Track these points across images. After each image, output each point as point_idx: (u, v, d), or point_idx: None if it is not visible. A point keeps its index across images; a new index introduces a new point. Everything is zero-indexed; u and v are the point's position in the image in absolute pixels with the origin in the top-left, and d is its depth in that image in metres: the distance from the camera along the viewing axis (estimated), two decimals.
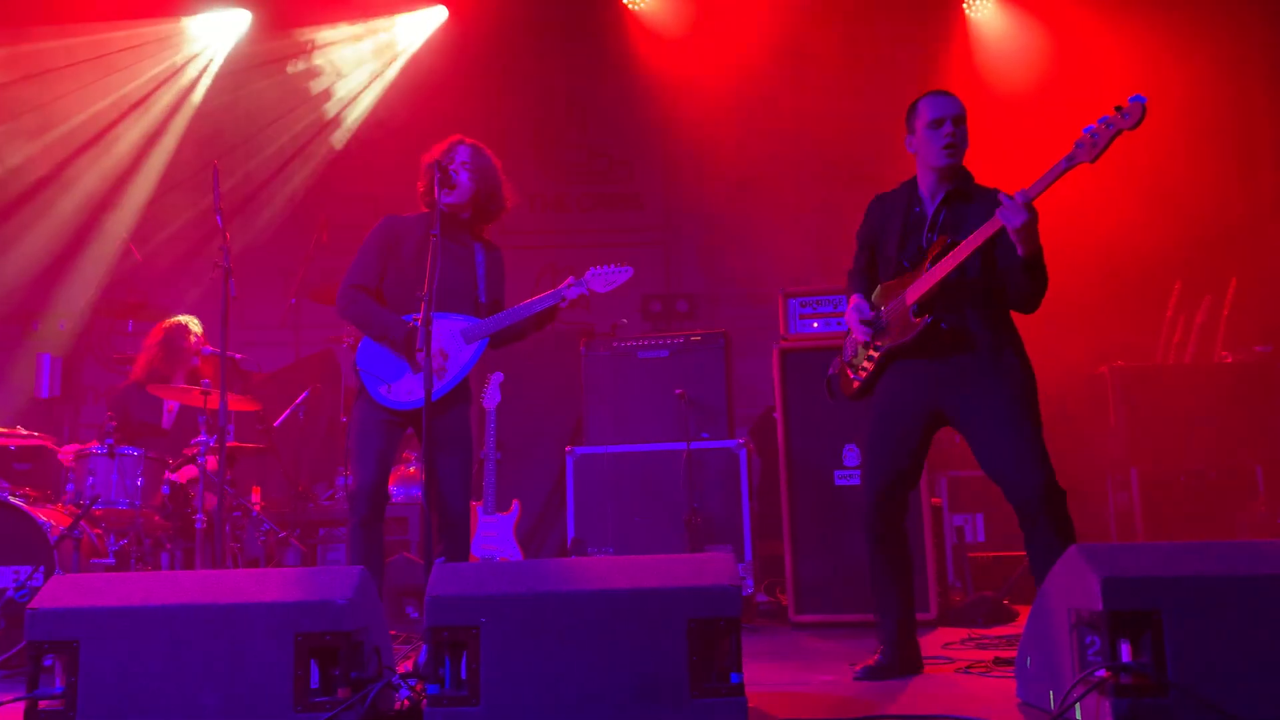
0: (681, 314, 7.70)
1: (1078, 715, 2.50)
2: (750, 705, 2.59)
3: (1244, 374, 6.24)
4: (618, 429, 5.53)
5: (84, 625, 2.67)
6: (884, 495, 3.56)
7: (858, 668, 3.49)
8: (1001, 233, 3.27)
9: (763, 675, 3.53)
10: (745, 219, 7.65)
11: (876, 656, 3.51)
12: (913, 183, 3.64)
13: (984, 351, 3.45)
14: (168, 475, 5.07)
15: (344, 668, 2.62)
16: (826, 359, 5.07)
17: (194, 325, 5.62)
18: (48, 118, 7.43)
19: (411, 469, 6.03)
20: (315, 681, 2.62)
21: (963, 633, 4.48)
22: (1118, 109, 3.15)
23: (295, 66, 7.83)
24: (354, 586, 2.70)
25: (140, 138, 7.71)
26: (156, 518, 4.98)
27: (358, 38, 7.95)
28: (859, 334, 3.63)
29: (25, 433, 5.22)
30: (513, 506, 5.46)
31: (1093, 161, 3.20)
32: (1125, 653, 2.40)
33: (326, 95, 7.94)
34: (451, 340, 4.11)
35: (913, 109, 3.59)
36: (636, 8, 7.90)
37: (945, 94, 3.56)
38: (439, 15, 7.97)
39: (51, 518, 4.50)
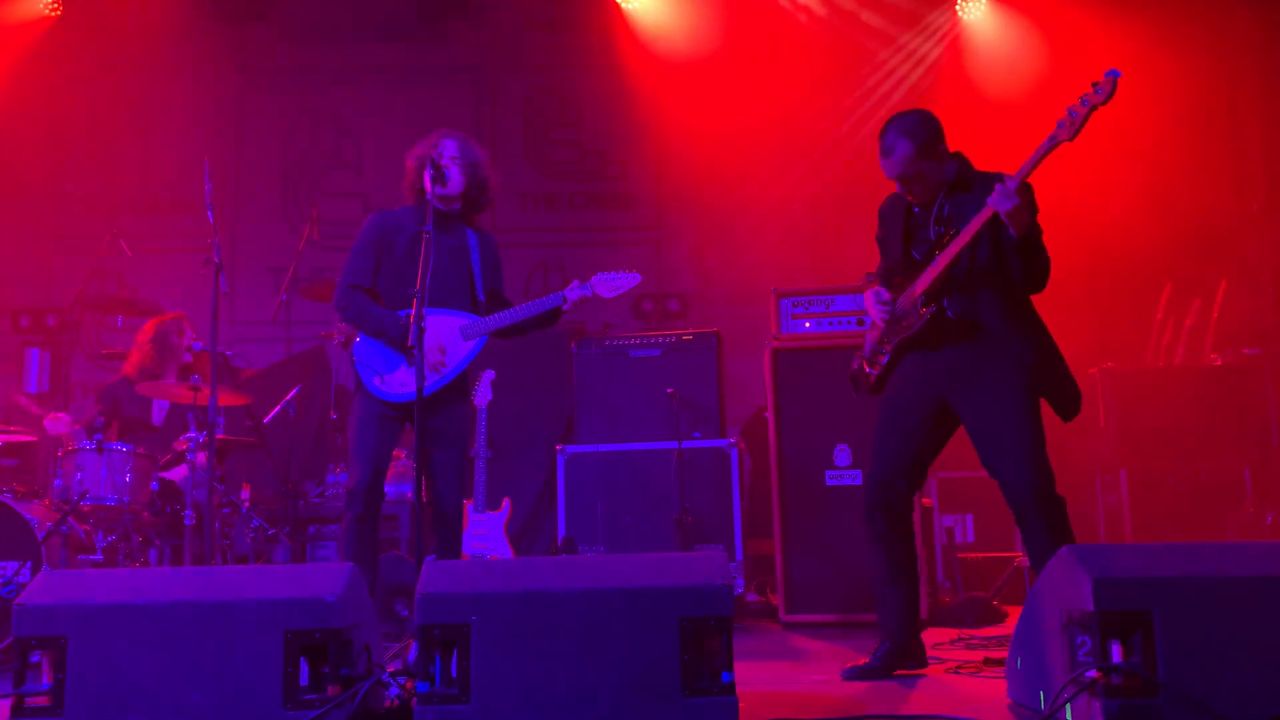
0: (673, 313, 7.70)
1: (1068, 716, 2.51)
2: (741, 705, 2.58)
3: (1233, 376, 6.27)
4: (609, 428, 5.52)
5: (71, 621, 2.65)
6: (883, 488, 3.55)
7: (846, 666, 3.49)
8: (998, 217, 3.28)
9: (753, 675, 3.53)
10: (738, 218, 7.65)
11: (868, 657, 3.50)
12: None
13: (997, 339, 3.43)
14: (157, 473, 5.05)
15: (334, 665, 2.61)
16: (819, 359, 5.12)
17: (185, 322, 5.61)
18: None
19: (403, 466, 6.01)
20: (305, 679, 2.60)
21: (952, 633, 4.48)
22: (1094, 85, 3.18)
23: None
24: (344, 584, 2.69)
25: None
26: (145, 514, 4.96)
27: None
28: (878, 318, 3.62)
29: (12, 428, 5.19)
30: (503, 505, 5.45)
31: (1071, 139, 3.23)
32: (1116, 653, 2.41)
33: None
34: (450, 336, 4.11)
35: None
36: (628, 5, 7.90)
37: (882, 139, 3.52)
38: (427, 11, 7.94)
39: (39, 514, 4.48)
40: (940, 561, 5.60)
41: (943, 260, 3.41)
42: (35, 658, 2.65)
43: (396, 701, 2.78)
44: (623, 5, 7.90)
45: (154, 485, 4.97)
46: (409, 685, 2.72)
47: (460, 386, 4.18)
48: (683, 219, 7.97)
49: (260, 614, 2.63)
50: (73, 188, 7.82)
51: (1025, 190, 3.24)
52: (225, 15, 7.79)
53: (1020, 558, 5.41)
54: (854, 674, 3.44)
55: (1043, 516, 3.31)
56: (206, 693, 2.60)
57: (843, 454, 5.02)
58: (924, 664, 3.54)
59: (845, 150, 7.43)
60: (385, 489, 4.14)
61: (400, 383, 4.05)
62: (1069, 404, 3.46)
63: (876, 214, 3.78)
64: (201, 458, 4.85)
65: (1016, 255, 3.35)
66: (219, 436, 5.07)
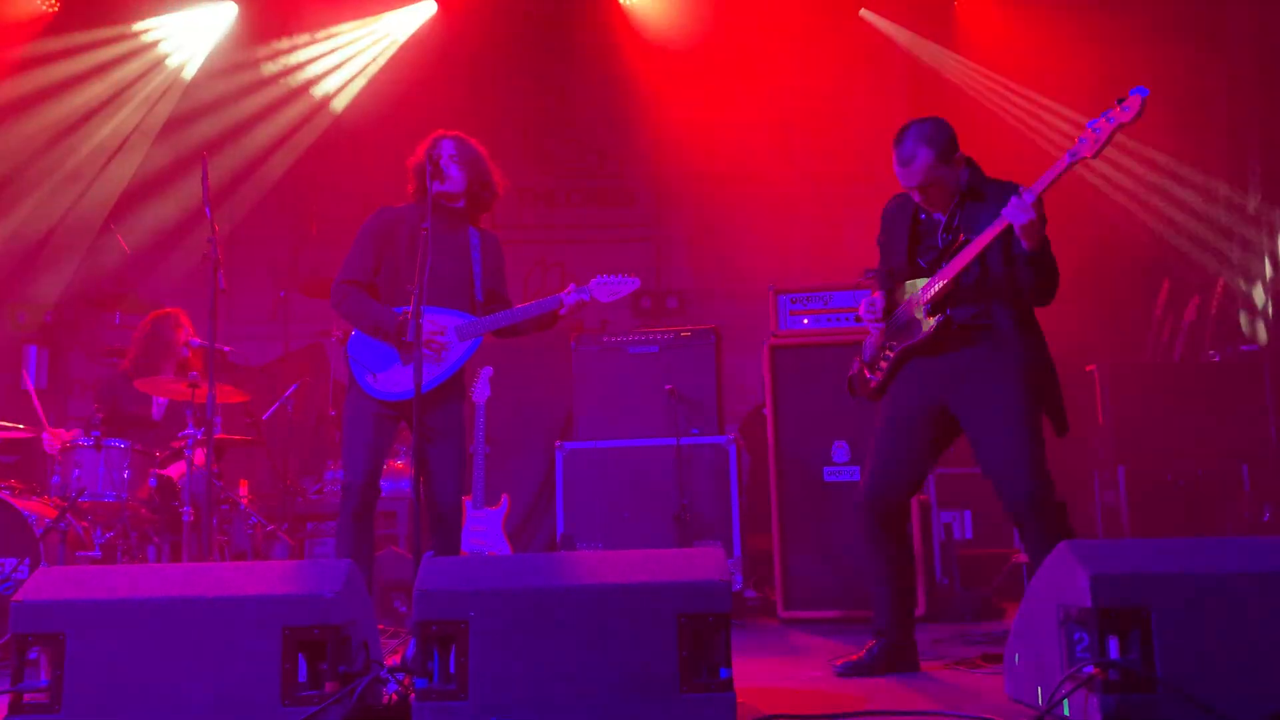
0: (671, 310, 7.70)
1: (1066, 711, 2.51)
2: (739, 700, 2.58)
3: (1231, 373, 6.28)
4: (607, 424, 5.52)
5: (70, 618, 2.65)
6: (880, 493, 3.54)
7: (838, 663, 3.49)
8: (1010, 228, 3.27)
9: (751, 670, 3.53)
10: (736, 215, 7.64)
11: (862, 653, 3.50)
12: None
13: (1001, 348, 3.42)
14: (155, 470, 5.05)
15: (332, 661, 2.61)
16: (817, 356, 5.13)
17: (183, 317, 5.60)
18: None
19: (400, 463, 6.01)
20: (303, 675, 2.61)
21: (950, 629, 4.50)
22: (1119, 101, 3.14)
23: (277, 60, 7.80)
24: (342, 580, 2.69)
25: (124, 127, 7.67)
26: (143, 510, 4.96)
27: (347, 31, 7.91)
28: (870, 326, 3.62)
29: (10, 425, 5.19)
30: (502, 501, 5.45)
31: (1094, 156, 3.20)
32: (1114, 649, 2.41)
33: (313, 86, 7.91)
34: (447, 334, 4.11)
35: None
36: (626, 2, 7.89)
37: (899, 147, 3.48)
38: (428, 9, 7.94)
39: (37, 510, 4.48)
40: (938, 558, 5.60)
41: (952, 269, 3.39)
42: (33, 654, 2.65)
43: (395, 697, 2.79)
44: (621, 1, 7.89)
45: (152, 482, 4.96)
46: (407, 681, 2.73)
47: (456, 384, 4.17)
48: (681, 215, 7.97)
49: (258, 610, 2.64)
50: (72, 183, 7.81)
51: (1039, 204, 3.23)
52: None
53: (1018, 554, 5.42)
54: (848, 670, 3.44)
55: (1041, 523, 3.30)
56: (205, 689, 2.60)
57: (841, 450, 5.03)
58: (916, 668, 3.53)
59: (844, 147, 7.42)
60: (383, 486, 4.14)
61: (394, 381, 4.04)
62: (1062, 420, 3.46)
63: (878, 211, 3.77)
64: (200, 454, 4.85)
65: (1028, 268, 3.33)
66: (217, 434, 5.07)
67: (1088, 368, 6.31)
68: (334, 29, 7.87)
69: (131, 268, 7.20)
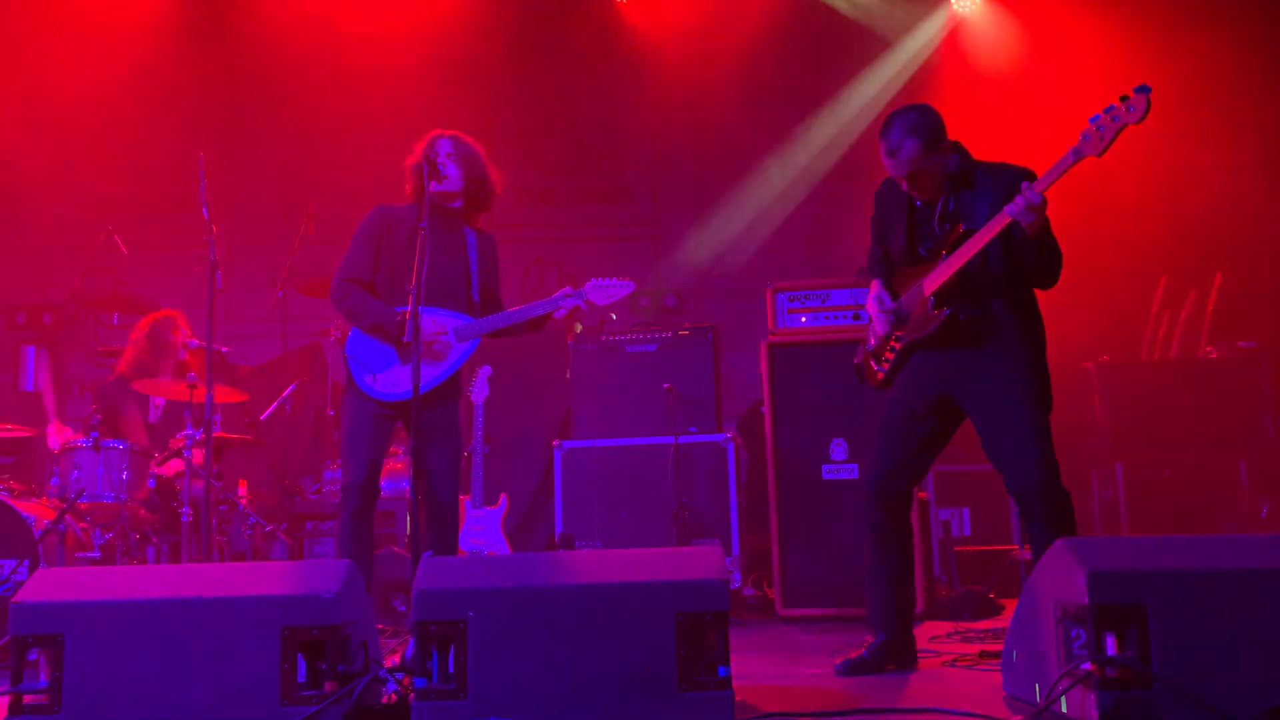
0: (669, 308, 7.69)
1: (1063, 708, 2.52)
2: (738, 699, 2.59)
3: (1228, 369, 6.28)
4: (606, 423, 5.52)
5: (69, 619, 2.65)
6: (882, 481, 3.55)
7: (838, 661, 3.49)
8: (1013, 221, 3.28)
9: (750, 669, 3.54)
10: (734, 213, 7.64)
11: (861, 650, 3.51)
12: None
13: (1007, 339, 3.43)
14: (153, 469, 5.05)
15: (331, 661, 2.61)
16: (815, 353, 5.13)
17: (180, 319, 5.60)
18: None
19: (399, 463, 6.01)
20: (302, 675, 2.61)
21: (949, 626, 4.50)
22: (1123, 99, 3.12)
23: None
24: (341, 580, 2.69)
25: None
26: (142, 511, 4.96)
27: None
28: (880, 325, 3.61)
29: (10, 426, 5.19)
30: (500, 500, 5.45)
31: (1099, 156, 3.19)
32: (1111, 646, 2.41)
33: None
34: (447, 335, 4.11)
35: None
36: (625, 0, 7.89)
37: (886, 137, 3.47)
38: (426, 7, 7.93)
39: (36, 511, 4.47)
40: (937, 555, 5.61)
41: (955, 263, 3.39)
42: (33, 656, 2.65)
43: (394, 697, 2.79)
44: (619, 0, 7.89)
45: (150, 483, 4.96)
46: (406, 681, 2.73)
47: (454, 385, 4.18)
48: (679, 214, 7.96)
49: (258, 611, 2.64)
50: (68, 184, 7.81)
51: (1043, 199, 3.23)
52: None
53: (1017, 551, 5.42)
54: (847, 668, 3.44)
55: (1049, 512, 3.32)
56: (204, 689, 2.60)
57: (839, 448, 5.03)
58: (914, 665, 3.53)
59: (841, 144, 7.42)
60: (382, 486, 4.14)
61: (393, 381, 4.05)
62: (1050, 401, 3.48)
63: (873, 202, 3.77)
64: (198, 455, 4.85)
65: (1031, 252, 3.34)
66: (216, 434, 5.07)
67: (1085, 364, 6.32)
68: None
69: (130, 269, 7.19)
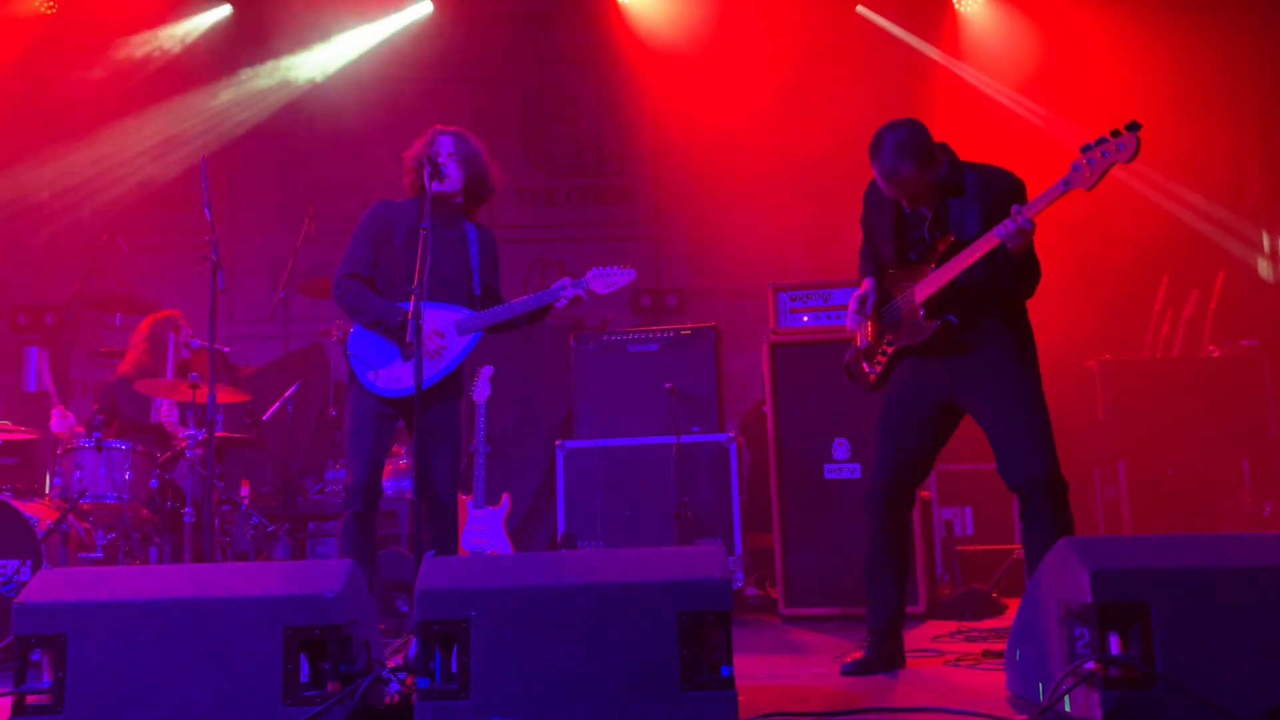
0: (671, 308, 7.70)
1: (1067, 707, 2.51)
2: (740, 698, 2.59)
3: (1231, 368, 6.28)
4: (608, 423, 5.52)
5: (72, 619, 2.65)
6: (887, 484, 3.57)
7: (846, 660, 3.49)
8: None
9: (753, 668, 3.53)
10: (735, 212, 7.64)
11: (862, 651, 3.51)
12: None
13: (997, 345, 3.47)
14: (156, 470, 5.05)
15: (333, 662, 2.61)
16: (817, 352, 5.12)
17: (180, 319, 5.60)
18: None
19: (402, 463, 6.01)
20: (305, 675, 2.61)
21: (951, 625, 4.50)
22: (1114, 134, 3.14)
23: (274, 63, 7.79)
24: (343, 580, 2.69)
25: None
26: (145, 512, 4.96)
27: (344, 28, 7.91)
28: (853, 322, 3.67)
29: (12, 426, 5.19)
30: (503, 500, 5.45)
31: (1088, 190, 3.20)
32: (1114, 645, 2.41)
33: (310, 84, 7.91)
34: (446, 329, 4.11)
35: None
36: (625, 1, 7.89)
37: (879, 161, 3.48)
38: (425, 8, 7.94)
39: (39, 512, 4.48)
40: (939, 554, 5.60)
41: (945, 275, 3.42)
42: (36, 656, 2.65)
43: (397, 697, 2.79)
44: (620, 0, 7.89)
45: (153, 483, 4.97)
46: (409, 681, 2.73)
47: (456, 382, 4.18)
48: (680, 213, 7.96)
49: (260, 611, 2.64)
50: (70, 185, 7.81)
51: (1032, 225, 3.25)
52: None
53: (1019, 550, 5.41)
54: (854, 668, 3.44)
55: (1053, 507, 3.35)
56: (207, 690, 2.60)
57: (841, 447, 5.03)
58: (902, 665, 3.54)
59: (843, 144, 7.41)
60: (384, 485, 4.14)
61: (395, 378, 4.05)
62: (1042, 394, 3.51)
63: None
64: (200, 455, 4.85)
65: (1011, 269, 3.39)
66: (218, 434, 5.08)
67: (1088, 363, 6.31)
68: (331, 29, 7.87)
69: (132, 269, 7.20)
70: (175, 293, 6.73)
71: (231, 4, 7.79)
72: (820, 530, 4.96)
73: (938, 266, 3.46)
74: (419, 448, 3.74)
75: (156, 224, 7.65)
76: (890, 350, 3.60)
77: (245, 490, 5.62)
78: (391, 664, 2.84)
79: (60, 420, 5.24)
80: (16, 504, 4.38)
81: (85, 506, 4.72)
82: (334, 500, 5.91)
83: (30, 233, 7.70)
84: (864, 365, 3.71)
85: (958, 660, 3.61)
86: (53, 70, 7.62)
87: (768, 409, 5.15)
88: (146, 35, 7.64)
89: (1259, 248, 7.18)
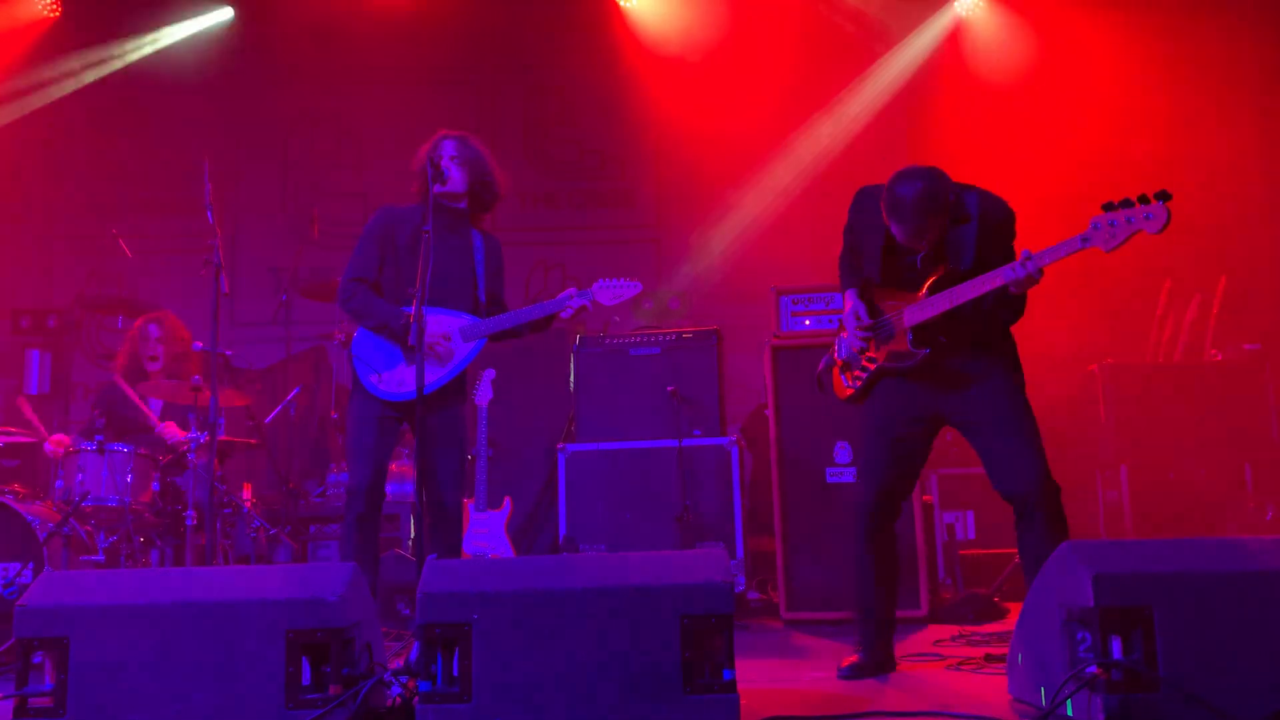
0: (673, 311, 7.69)
1: (1069, 711, 2.51)
2: (742, 702, 2.59)
3: (1233, 372, 6.27)
4: (610, 426, 5.52)
5: (74, 622, 2.66)
6: (882, 499, 3.59)
7: (844, 664, 3.49)
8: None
9: (754, 672, 3.53)
10: (737, 216, 7.64)
11: (857, 656, 3.52)
12: None
13: (982, 359, 3.48)
14: (158, 473, 5.05)
15: (335, 665, 2.61)
16: (819, 356, 5.10)
17: (169, 318, 5.57)
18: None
19: (404, 466, 6.01)
20: (307, 679, 2.61)
21: (953, 629, 4.49)
22: (1142, 200, 3.05)
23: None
24: (345, 583, 2.69)
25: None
26: (146, 514, 4.96)
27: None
28: (856, 342, 3.63)
29: (14, 429, 5.19)
30: (504, 504, 5.45)
31: (1107, 252, 3.13)
32: (1116, 649, 2.41)
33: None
34: (451, 335, 4.11)
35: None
36: (627, 4, 7.89)
37: (900, 219, 3.37)
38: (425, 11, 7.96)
39: (41, 515, 4.48)
40: (941, 558, 5.59)
41: (938, 305, 3.40)
42: (38, 659, 2.65)
43: (398, 700, 2.79)
44: (622, 3, 7.90)
45: (154, 485, 4.97)
46: (411, 684, 2.73)
47: (459, 386, 4.18)
48: (682, 217, 7.97)
49: (262, 614, 2.64)
50: (73, 188, 7.83)
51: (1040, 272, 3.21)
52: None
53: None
54: (852, 672, 3.45)
55: (1047, 512, 3.34)
56: (208, 693, 2.60)
57: (843, 451, 5.03)
58: (893, 669, 3.55)
59: (845, 147, 7.42)
60: (386, 489, 4.15)
61: (398, 381, 4.05)
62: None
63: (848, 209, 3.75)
64: (203, 458, 4.85)
65: (1003, 304, 3.39)
66: (220, 437, 5.07)
67: (1090, 367, 6.30)
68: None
69: (133, 272, 7.21)
70: (177, 295, 6.74)
71: (231, 4, 7.81)
72: (822, 534, 4.96)
73: (930, 295, 3.44)
74: (422, 452, 3.74)
75: (159, 226, 7.66)
76: (872, 368, 3.60)
77: (247, 493, 5.62)
78: (393, 667, 2.84)
79: (54, 449, 5.24)
80: (18, 507, 4.38)
81: (87, 509, 4.72)
82: (336, 503, 5.91)
83: (33, 235, 7.71)
84: (842, 377, 3.71)
85: (960, 664, 3.61)
86: (56, 73, 7.64)
87: (769, 412, 5.15)
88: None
89: (1260, 251, 7.17)
